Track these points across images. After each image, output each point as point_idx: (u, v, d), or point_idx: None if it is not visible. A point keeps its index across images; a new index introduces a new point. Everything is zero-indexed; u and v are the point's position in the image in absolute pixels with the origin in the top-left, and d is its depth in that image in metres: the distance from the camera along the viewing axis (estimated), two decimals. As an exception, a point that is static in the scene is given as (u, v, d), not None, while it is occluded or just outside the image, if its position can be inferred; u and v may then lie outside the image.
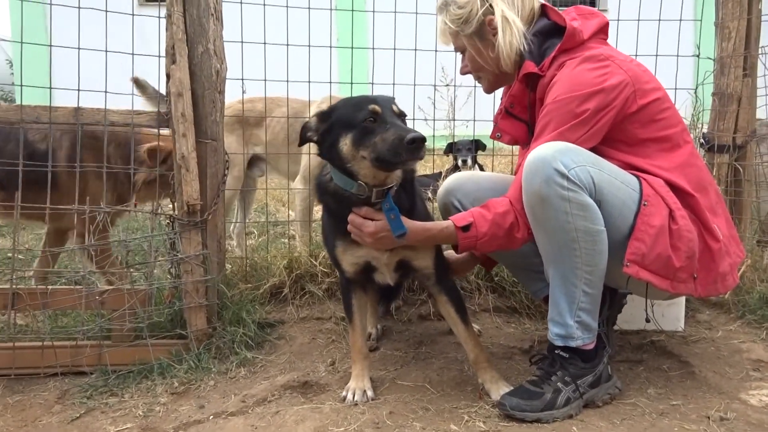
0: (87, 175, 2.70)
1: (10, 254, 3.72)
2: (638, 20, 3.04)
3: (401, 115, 1.96)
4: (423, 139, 1.81)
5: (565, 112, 1.98)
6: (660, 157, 2.06)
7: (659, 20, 3.07)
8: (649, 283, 1.95)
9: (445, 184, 2.44)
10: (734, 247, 2.10)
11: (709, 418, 1.89)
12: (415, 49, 2.99)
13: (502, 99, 2.39)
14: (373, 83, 3.01)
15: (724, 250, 2.04)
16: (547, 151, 1.89)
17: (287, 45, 2.84)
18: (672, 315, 2.66)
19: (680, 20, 3.06)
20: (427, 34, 2.89)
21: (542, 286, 2.41)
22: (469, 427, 1.85)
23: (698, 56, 3.08)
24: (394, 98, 2.02)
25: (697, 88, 3.10)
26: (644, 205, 1.92)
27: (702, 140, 3.10)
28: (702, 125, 3.16)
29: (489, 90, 2.33)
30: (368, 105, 1.91)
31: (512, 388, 2.06)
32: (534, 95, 2.17)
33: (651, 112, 2.05)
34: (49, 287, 2.46)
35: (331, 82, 2.94)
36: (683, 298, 2.69)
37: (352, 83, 2.95)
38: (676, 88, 3.11)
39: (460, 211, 2.30)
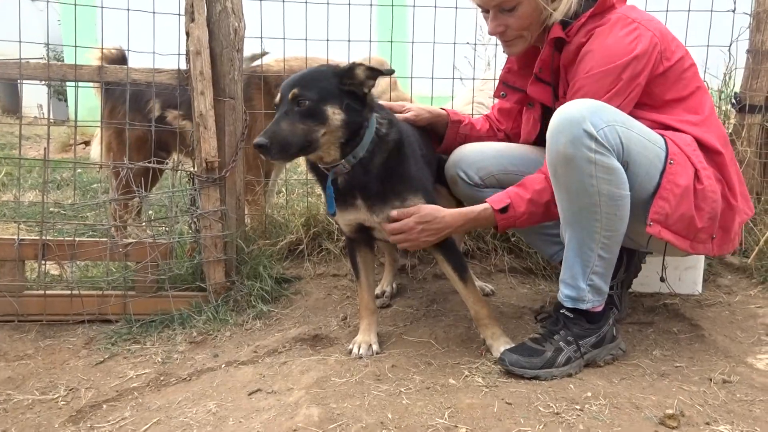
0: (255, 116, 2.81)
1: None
2: (670, -26, 2.92)
3: (296, 100, 1.89)
4: (258, 146, 1.83)
5: (598, 87, 1.94)
6: (686, 114, 2.03)
7: (693, -25, 2.94)
8: (669, 243, 1.93)
9: (451, 156, 2.41)
10: (744, 205, 2.07)
11: (711, 380, 1.87)
12: (456, 7, 2.94)
13: (507, 59, 2.36)
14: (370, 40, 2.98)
15: (739, 208, 2.02)
16: (576, 109, 1.83)
17: (305, 2, 2.83)
18: (689, 279, 2.62)
19: None
20: None
21: (558, 249, 2.40)
22: (468, 382, 1.89)
23: (734, 11, 2.93)
24: (301, 80, 1.93)
25: (731, 45, 2.96)
26: (670, 163, 1.89)
27: (733, 100, 2.98)
28: (734, 84, 3.03)
29: (520, 52, 2.23)
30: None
31: (514, 345, 2.07)
32: (559, 59, 2.11)
33: (676, 71, 2.02)
34: (76, 239, 2.58)
35: (349, 41, 2.92)
36: (702, 262, 2.64)
37: (391, 41, 2.93)
38: (708, 45, 3.00)
39: (466, 182, 2.31)
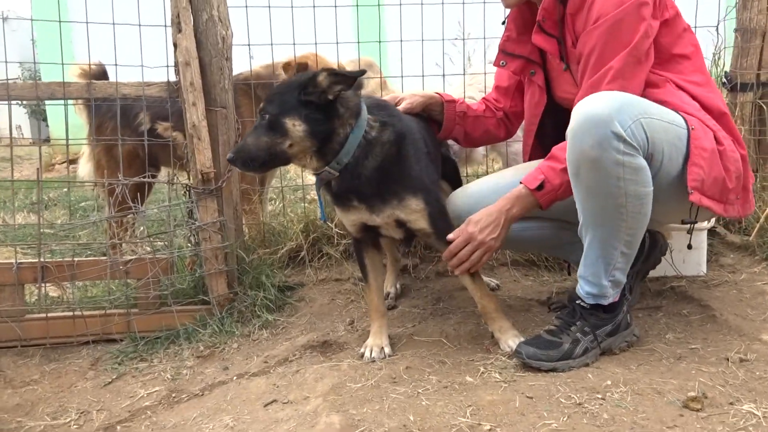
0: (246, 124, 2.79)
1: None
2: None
3: (262, 114, 1.95)
4: (228, 160, 1.99)
5: (614, 43, 1.90)
6: (693, 73, 2.03)
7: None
8: (708, 209, 1.92)
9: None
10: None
11: (728, 359, 1.87)
12: (422, 3, 2.92)
13: (505, 28, 2.33)
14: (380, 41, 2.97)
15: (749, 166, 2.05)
16: (602, 107, 1.76)
17: (291, 7, 2.80)
18: (693, 260, 2.62)
19: None
20: None
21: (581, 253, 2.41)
22: (485, 379, 1.87)
23: (719, -9, 2.94)
24: (269, 94, 2.02)
25: (718, 24, 2.97)
26: (693, 129, 1.87)
27: (724, 79, 2.98)
28: (724, 64, 3.04)
29: (518, 2, 2.22)
30: None
31: (522, 338, 2.07)
32: (564, 9, 2.06)
33: (677, 24, 2.03)
34: (75, 259, 2.54)
35: (338, 42, 2.90)
36: (705, 243, 2.65)
37: (379, 41, 2.93)
38: (696, 27, 2.99)
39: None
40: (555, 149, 2.00)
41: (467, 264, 2.03)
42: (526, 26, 2.25)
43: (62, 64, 2.57)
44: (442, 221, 2.10)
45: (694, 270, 2.61)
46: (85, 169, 3.51)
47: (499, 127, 2.53)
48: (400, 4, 2.87)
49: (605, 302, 1.96)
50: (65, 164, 8.84)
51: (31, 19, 2.57)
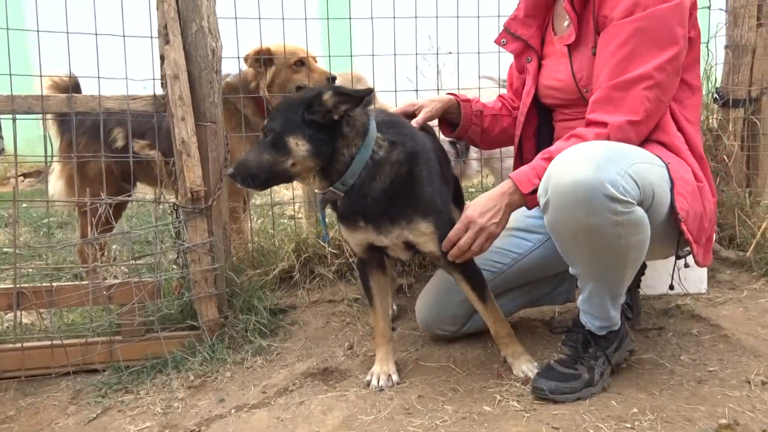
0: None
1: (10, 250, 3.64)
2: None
3: (265, 131, 1.89)
4: (231, 176, 1.90)
5: (654, 46, 1.81)
6: (689, 107, 1.98)
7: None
8: (688, 243, 1.83)
9: (417, 314, 2.38)
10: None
11: (749, 382, 1.83)
12: (394, 17, 2.85)
13: (517, 6, 2.27)
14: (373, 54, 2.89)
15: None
16: (587, 171, 1.63)
17: (282, 19, 2.71)
18: (695, 277, 2.60)
19: None
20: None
21: (563, 290, 2.39)
22: (504, 408, 1.79)
23: (709, 8, 2.95)
24: (273, 111, 1.93)
25: (708, 41, 2.98)
26: (669, 163, 1.82)
27: (716, 95, 3.00)
28: (715, 80, 3.06)
29: None
30: None
31: (534, 363, 2.02)
32: None
33: (695, 48, 1.98)
34: (54, 284, 2.37)
35: (330, 56, 2.81)
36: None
37: (329, 56, 2.85)
38: (687, 43, 3.01)
39: (449, 335, 2.30)
40: (555, 149, 1.88)
41: (469, 254, 1.91)
42: (537, 7, 2.20)
43: (41, 76, 2.41)
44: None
45: (695, 287, 2.59)
46: (56, 186, 3.32)
47: (515, 126, 2.46)
48: (371, 18, 2.80)
49: (615, 329, 1.93)
50: (21, 177, 8.53)
51: (38, 30, 2.36)
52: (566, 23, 2.12)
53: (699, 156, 1.97)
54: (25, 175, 8.32)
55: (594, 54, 1.97)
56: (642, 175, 1.70)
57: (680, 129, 1.95)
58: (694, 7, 1.93)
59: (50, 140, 2.47)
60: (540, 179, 1.81)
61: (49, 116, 3.08)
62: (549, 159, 1.84)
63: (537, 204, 1.87)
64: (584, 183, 1.63)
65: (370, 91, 1.87)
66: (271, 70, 3.00)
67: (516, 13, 2.27)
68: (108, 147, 2.94)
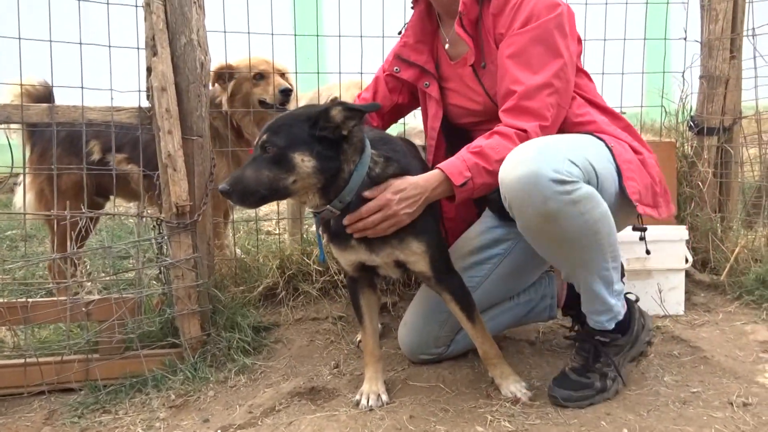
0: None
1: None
2: (626, 3, 3.01)
3: (264, 146, 1.80)
4: (220, 191, 1.79)
5: (549, 53, 1.97)
6: (592, 89, 2.19)
7: (647, 3, 3.06)
8: (650, 217, 2.01)
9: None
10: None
11: (732, 404, 1.87)
12: (383, 36, 2.83)
13: (404, 33, 2.33)
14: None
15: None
16: (529, 164, 1.73)
17: (272, 34, 2.70)
18: (673, 299, 2.66)
19: (668, 3, 3.04)
20: (394, 20, 2.79)
21: (544, 306, 2.38)
22: (495, 428, 1.79)
23: (686, 39, 3.06)
24: (272, 125, 1.84)
25: (684, 71, 3.09)
26: (612, 147, 1.96)
27: (691, 123, 3.10)
28: (690, 108, 3.17)
29: None
30: None
31: (522, 383, 2.03)
32: (481, 9, 2.09)
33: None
34: (30, 300, 2.28)
35: (318, 73, 2.82)
36: (683, 283, 2.69)
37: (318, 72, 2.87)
38: (664, 72, 3.12)
39: (435, 359, 2.29)
40: (485, 144, 1.92)
41: (370, 232, 1.88)
42: (425, 33, 2.27)
43: (21, 84, 2.35)
44: (443, 265, 2.01)
45: (673, 309, 2.66)
46: (26, 198, 3.21)
47: None
48: (361, 36, 2.81)
49: (620, 317, 1.98)
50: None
51: (19, 38, 2.27)
52: (463, 46, 2.18)
53: (625, 125, 2.14)
54: (-12, 185, 8.06)
55: (483, 68, 2.14)
56: (581, 158, 1.81)
57: (598, 108, 2.13)
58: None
59: (13, 150, 2.37)
60: (470, 172, 1.88)
61: (16, 126, 2.98)
62: (478, 153, 1.91)
63: (464, 197, 1.93)
64: (529, 174, 1.73)
65: (375, 107, 1.86)
66: (231, 84, 3.00)
67: (405, 40, 2.32)
68: (82, 160, 2.87)
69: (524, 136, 1.92)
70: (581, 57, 2.19)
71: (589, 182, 1.80)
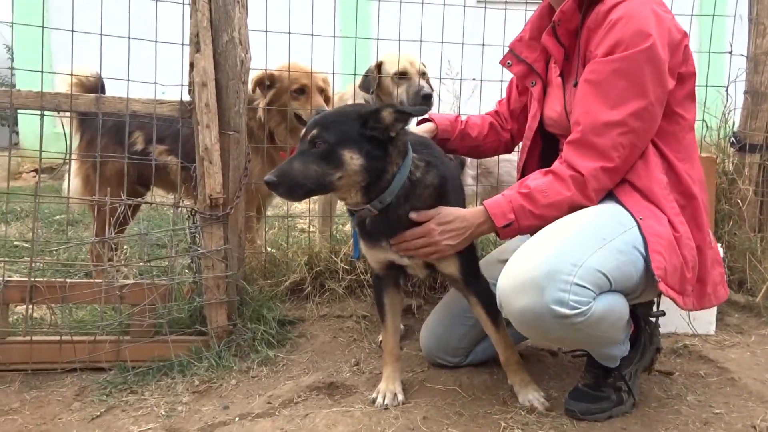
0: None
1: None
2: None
3: (314, 141, 1.81)
4: (266, 183, 1.78)
5: (632, 89, 1.78)
6: (682, 141, 1.93)
7: (692, 15, 3.00)
8: (673, 300, 1.80)
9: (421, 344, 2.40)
10: (718, 256, 2.00)
11: (755, 428, 1.83)
12: (420, 41, 2.87)
13: (523, 27, 2.25)
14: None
15: (715, 258, 1.95)
16: (533, 291, 1.64)
17: (312, 35, 2.75)
18: (704, 318, 2.60)
19: (713, 15, 2.97)
20: (433, 25, 2.82)
21: None
22: (508, 435, 1.79)
23: (731, 53, 2.99)
24: (322, 121, 1.86)
25: (728, 86, 3.02)
26: (641, 219, 1.79)
27: (732, 139, 3.03)
28: (733, 123, 3.09)
29: None
30: None
31: (541, 392, 2.02)
32: (583, 19, 1.95)
33: (690, 81, 1.93)
34: (68, 280, 2.39)
35: (355, 74, 2.86)
36: (716, 302, 2.62)
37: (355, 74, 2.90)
38: (707, 86, 3.04)
39: (449, 365, 2.30)
40: (535, 186, 1.85)
41: (411, 252, 1.92)
42: (541, 31, 2.15)
43: (71, 75, 2.45)
44: (472, 269, 2.03)
45: (703, 328, 2.59)
46: (72, 184, 3.35)
47: (498, 147, 2.48)
48: (399, 40, 2.84)
49: (626, 353, 1.97)
50: (32, 173, 8.60)
51: (42, 27, 2.40)
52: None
53: (690, 196, 1.90)
54: (36, 171, 8.39)
55: (575, 86, 1.96)
56: (592, 270, 1.67)
57: (670, 167, 1.90)
58: (683, 42, 1.87)
59: (66, 138, 2.49)
60: (515, 214, 1.83)
61: (65, 114, 3.11)
62: (526, 195, 1.84)
63: (508, 236, 1.91)
64: (531, 311, 1.66)
65: (424, 110, 1.87)
66: (271, 92, 3.03)
67: (522, 35, 2.23)
68: (126, 149, 2.97)
69: (580, 180, 1.81)
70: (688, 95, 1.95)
71: (601, 292, 1.70)
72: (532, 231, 1.88)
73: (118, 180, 2.98)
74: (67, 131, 3.16)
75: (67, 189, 3.30)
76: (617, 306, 1.75)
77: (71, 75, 2.83)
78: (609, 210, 1.83)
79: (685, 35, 1.88)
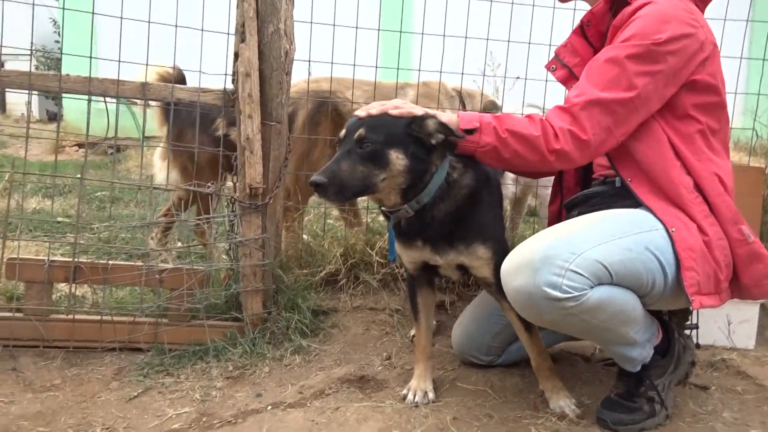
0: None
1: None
2: (724, 20, 2.86)
3: (361, 141, 1.80)
4: (315, 184, 1.74)
5: (624, 76, 1.80)
6: (695, 141, 1.90)
7: (747, 21, 2.90)
8: (710, 307, 1.82)
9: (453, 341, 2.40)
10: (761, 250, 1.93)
11: (793, 450, 1.79)
12: (466, 37, 2.84)
13: (572, 31, 2.20)
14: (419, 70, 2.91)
15: (754, 253, 1.88)
16: (528, 273, 1.68)
17: (356, 28, 2.75)
18: (744, 332, 2.54)
19: (747, 21, 2.87)
20: (478, 18, 2.78)
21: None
22: (538, 440, 1.79)
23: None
24: (369, 121, 1.84)
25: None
26: (673, 231, 1.78)
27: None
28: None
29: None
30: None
31: (572, 399, 2.00)
32: (612, 22, 1.96)
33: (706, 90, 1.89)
34: (110, 262, 2.45)
35: (399, 69, 2.85)
36: (757, 316, 2.57)
37: (398, 68, 2.89)
38: (759, 94, 2.96)
39: (481, 363, 2.31)
40: (508, 114, 1.90)
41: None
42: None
43: (119, 61, 2.49)
44: None
45: (743, 343, 2.54)
46: (171, 175, 3.32)
47: None
48: (444, 36, 2.81)
49: (648, 360, 1.93)
50: (75, 147, 8.78)
51: (121, 17, 2.42)
52: None
53: (728, 189, 1.89)
54: (79, 146, 8.58)
55: None
56: (592, 261, 1.68)
57: (691, 168, 1.87)
58: (703, 52, 1.84)
59: (137, 121, 2.53)
60: (480, 123, 1.83)
61: (154, 103, 3.12)
62: (497, 116, 1.86)
63: (469, 150, 1.87)
64: (524, 290, 1.70)
65: (462, 137, 1.85)
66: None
67: (568, 41, 2.21)
68: (210, 135, 2.97)
69: (550, 130, 1.82)
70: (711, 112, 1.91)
71: (600, 283, 1.70)
72: (495, 160, 1.89)
73: (211, 166, 2.99)
74: (139, 120, 3.16)
75: (161, 178, 3.26)
76: (617, 298, 1.74)
77: (149, 66, 2.81)
78: (629, 213, 1.86)
79: (714, 46, 1.86)
